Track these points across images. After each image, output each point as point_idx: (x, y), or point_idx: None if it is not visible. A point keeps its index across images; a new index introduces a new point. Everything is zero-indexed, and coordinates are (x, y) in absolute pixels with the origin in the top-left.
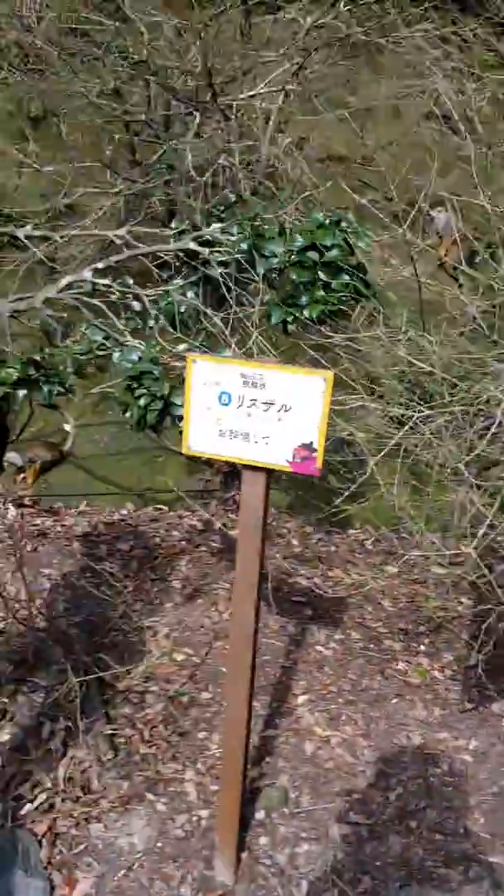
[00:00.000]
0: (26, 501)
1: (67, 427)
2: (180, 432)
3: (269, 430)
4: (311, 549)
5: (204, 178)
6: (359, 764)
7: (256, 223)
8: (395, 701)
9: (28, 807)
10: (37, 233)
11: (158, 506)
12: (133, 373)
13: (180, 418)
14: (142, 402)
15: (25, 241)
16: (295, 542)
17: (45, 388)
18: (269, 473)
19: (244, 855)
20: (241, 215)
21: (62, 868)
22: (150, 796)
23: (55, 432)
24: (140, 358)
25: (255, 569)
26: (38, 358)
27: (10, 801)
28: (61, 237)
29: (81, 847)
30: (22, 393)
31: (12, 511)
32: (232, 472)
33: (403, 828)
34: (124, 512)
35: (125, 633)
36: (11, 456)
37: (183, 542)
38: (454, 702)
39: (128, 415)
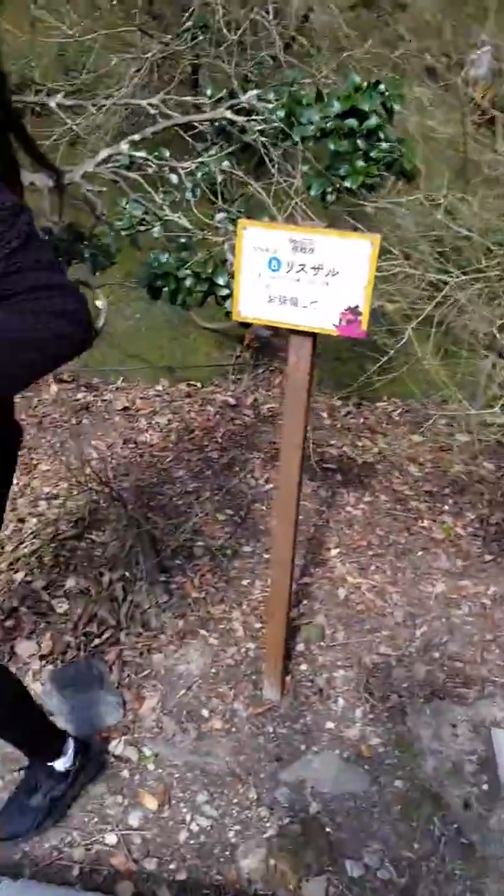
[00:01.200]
0: (65, 377)
1: (99, 304)
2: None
3: (316, 295)
4: (341, 422)
5: (236, 37)
6: (387, 606)
7: (293, 88)
8: (420, 553)
9: (97, 641)
10: (68, 102)
11: (191, 382)
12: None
13: (224, 298)
14: (187, 282)
15: (57, 110)
16: (325, 415)
17: (91, 260)
18: (315, 338)
19: (288, 679)
20: (278, 80)
21: (131, 688)
22: (202, 632)
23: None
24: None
25: (300, 429)
26: (82, 230)
27: (81, 636)
28: (94, 106)
29: (146, 672)
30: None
31: (54, 387)
32: (261, 348)
33: (427, 658)
34: (159, 388)
35: (170, 497)
36: None
37: (217, 417)
38: (475, 554)
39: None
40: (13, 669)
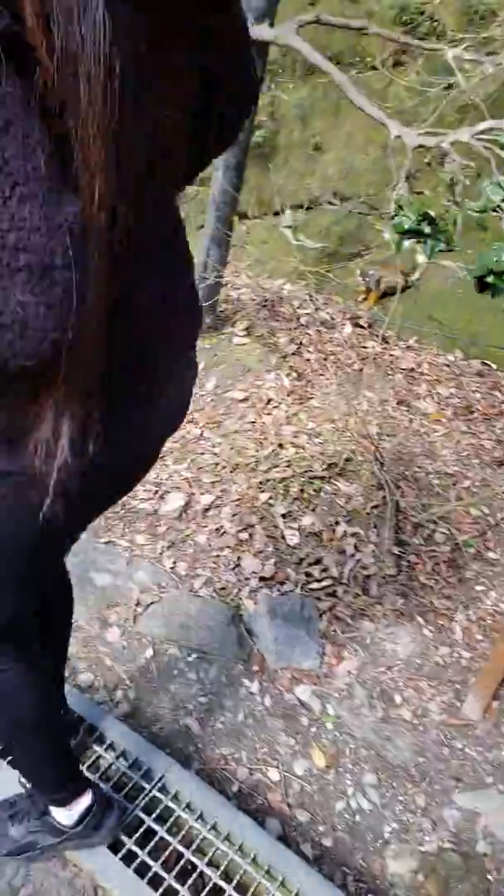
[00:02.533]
0: (362, 322)
1: (420, 258)
2: None
3: None
4: None
5: None
6: None
7: None
8: None
9: (315, 585)
10: (467, 56)
11: (487, 361)
12: None
13: None
14: None
15: (452, 63)
16: None
17: (430, 244)
18: None
19: (494, 704)
20: None
21: (334, 643)
22: (419, 620)
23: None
24: None
25: None
26: (431, 213)
27: (302, 574)
28: (496, 65)
29: (353, 634)
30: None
31: (348, 328)
32: None
33: None
34: (451, 358)
35: (427, 473)
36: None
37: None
38: None
39: None
40: (233, 580)
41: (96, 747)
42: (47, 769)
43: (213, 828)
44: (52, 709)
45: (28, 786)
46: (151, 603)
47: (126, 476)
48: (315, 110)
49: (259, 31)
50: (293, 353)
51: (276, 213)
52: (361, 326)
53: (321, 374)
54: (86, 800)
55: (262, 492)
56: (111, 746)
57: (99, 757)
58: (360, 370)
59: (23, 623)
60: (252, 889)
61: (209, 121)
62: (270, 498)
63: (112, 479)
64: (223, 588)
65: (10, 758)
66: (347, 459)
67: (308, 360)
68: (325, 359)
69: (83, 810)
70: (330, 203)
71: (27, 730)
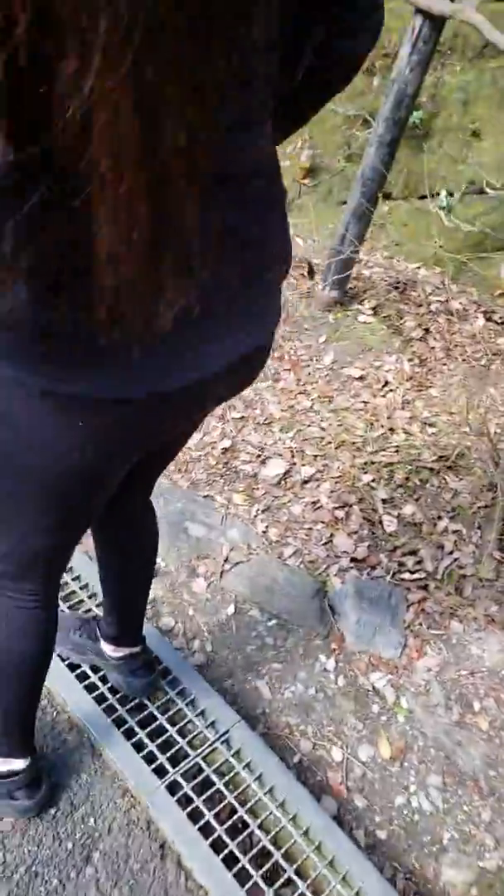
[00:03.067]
0: (496, 318)
1: None
2: None
3: None
4: None
5: None
6: None
7: None
8: None
9: (406, 575)
10: None
11: None
12: None
13: None
14: None
15: None
16: None
17: None
18: None
19: None
20: None
21: (417, 637)
22: None
23: None
24: None
25: None
26: None
27: (395, 563)
28: None
29: (439, 632)
30: None
31: (480, 321)
32: None
33: None
34: None
35: None
36: None
37: None
38: None
39: None
40: (323, 555)
41: (168, 690)
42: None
43: (270, 792)
44: (44, 668)
45: None
46: (239, 562)
47: (181, 407)
48: (479, 96)
49: (437, 4)
50: (418, 339)
51: (423, 197)
52: (495, 322)
53: (444, 364)
54: (18, 764)
55: (365, 473)
56: (181, 693)
57: (169, 700)
58: (487, 366)
59: (52, 559)
60: (300, 861)
61: (305, 46)
62: (373, 481)
63: (166, 407)
64: (312, 561)
65: None
66: (460, 454)
67: (433, 347)
68: (450, 349)
69: (5, 771)
70: (482, 191)
71: (11, 674)
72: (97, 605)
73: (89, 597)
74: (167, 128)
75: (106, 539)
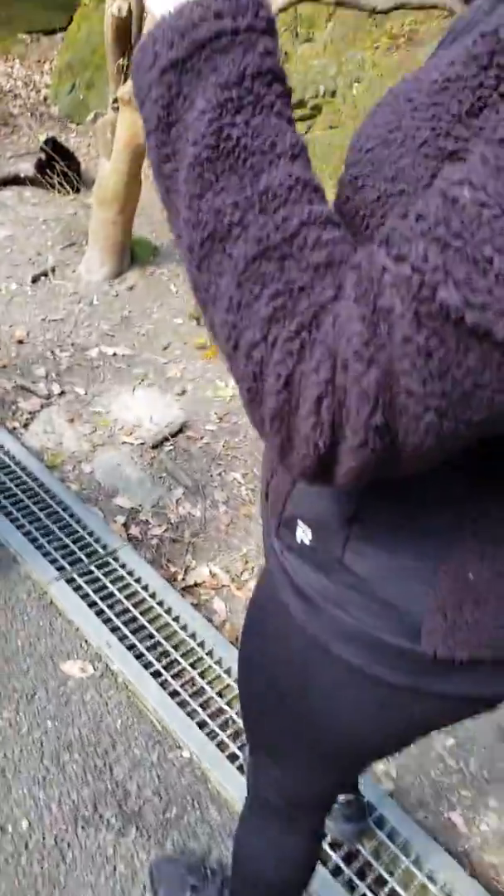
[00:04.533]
0: None
1: None
2: None
3: None
4: None
5: None
6: None
7: None
8: None
9: None
10: None
11: None
12: None
13: None
14: None
15: None
16: None
17: None
18: None
19: None
20: None
21: None
22: None
23: None
24: None
25: None
26: None
27: None
28: None
29: None
30: None
31: None
32: None
33: None
34: None
35: None
36: None
37: None
38: None
39: None
40: None
41: (370, 822)
42: None
43: None
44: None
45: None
46: None
47: None
48: None
49: None
50: None
51: None
52: None
53: None
54: None
55: None
56: (380, 823)
57: (373, 837)
58: None
59: (333, 800)
60: None
61: None
62: None
63: None
64: None
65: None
66: None
67: None
68: None
69: None
70: None
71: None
72: None
73: None
74: None
75: None
